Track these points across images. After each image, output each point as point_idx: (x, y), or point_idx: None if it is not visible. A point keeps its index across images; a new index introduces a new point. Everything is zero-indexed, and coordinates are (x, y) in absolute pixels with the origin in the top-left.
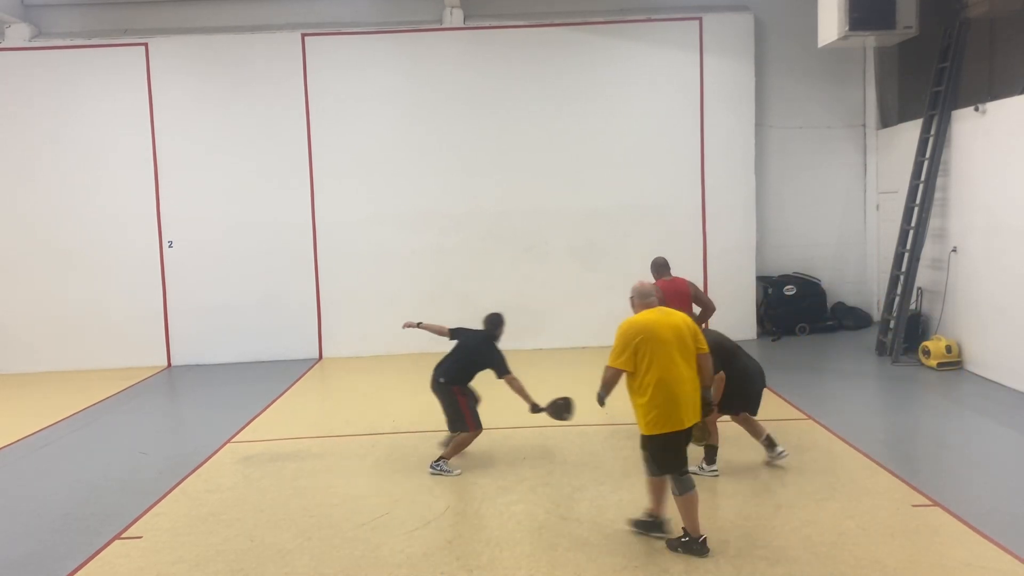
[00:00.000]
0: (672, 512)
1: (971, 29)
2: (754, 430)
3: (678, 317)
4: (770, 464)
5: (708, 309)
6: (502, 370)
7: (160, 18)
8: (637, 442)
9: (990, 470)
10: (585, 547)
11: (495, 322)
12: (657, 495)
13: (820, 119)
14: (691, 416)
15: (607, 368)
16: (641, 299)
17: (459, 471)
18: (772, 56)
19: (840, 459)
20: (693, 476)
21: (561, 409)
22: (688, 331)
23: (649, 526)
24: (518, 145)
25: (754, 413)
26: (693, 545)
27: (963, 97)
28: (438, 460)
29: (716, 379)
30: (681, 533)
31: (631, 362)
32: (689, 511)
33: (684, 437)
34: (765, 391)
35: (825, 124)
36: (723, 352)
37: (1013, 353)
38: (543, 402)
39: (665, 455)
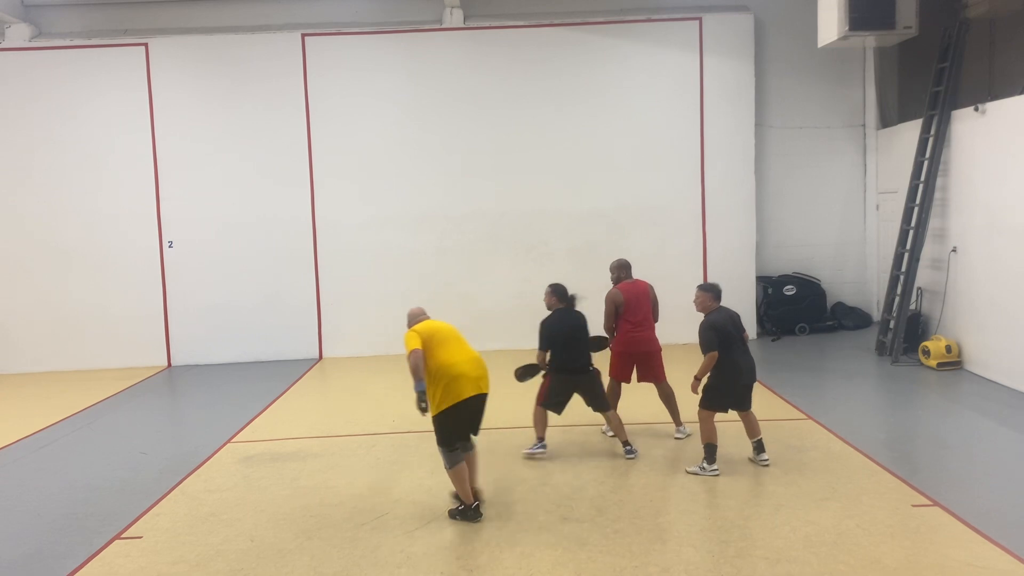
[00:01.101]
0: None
1: (971, 29)
2: (751, 428)
3: (449, 325)
4: (752, 462)
5: (655, 315)
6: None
7: (160, 18)
8: (638, 442)
9: (990, 470)
10: (585, 547)
11: (564, 290)
12: (462, 482)
13: (820, 119)
14: (470, 389)
15: (409, 356)
16: (414, 319)
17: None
18: (772, 56)
19: (840, 459)
20: (695, 475)
21: (525, 373)
22: (456, 330)
23: (462, 513)
24: (518, 145)
25: (746, 409)
26: (467, 512)
27: (963, 97)
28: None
29: (707, 357)
30: (458, 503)
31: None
32: (459, 482)
33: (464, 411)
34: (765, 391)
35: (825, 124)
36: (719, 335)
37: (1012, 353)
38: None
39: (442, 430)
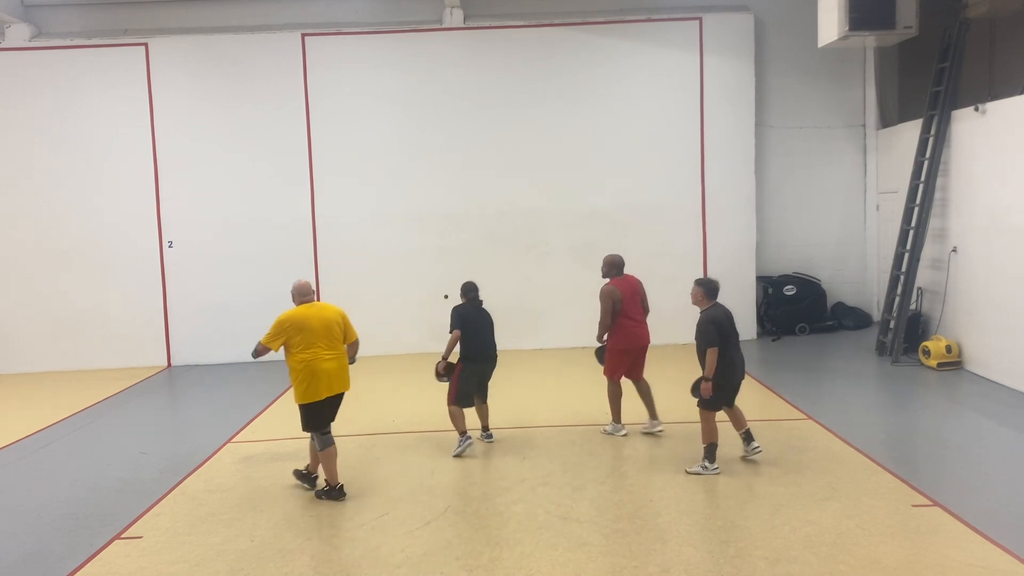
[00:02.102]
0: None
1: (971, 29)
2: (738, 421)
3: (331, 311)
4: (745, 459)
5: (645, 310)
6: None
7: (160, 18)
8: (637, 442)
9: (990, 470)
10: (585, 547)
11: (476, 288)
12: (332, 464)
13: (820, 119)
14: (335, 387)
15: (259, 343)
16: (300, 296)
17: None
18: (772, 56)
19: (840, 459)
20: (696, 474)
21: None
22: (337, 323)
23: (328, 493)
24: (518, 145)
25: (731, 405)
26: (333, 492)
27: (963, 97)
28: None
29: (711, 353)
30: (323, 484)
31: (279, 345)
32: (329, 464)
33: (326, 405)
34: (766, 391)
35: (825, 124)
36: (718, 330)
37: (1012, 353)
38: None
39: (311, 418)
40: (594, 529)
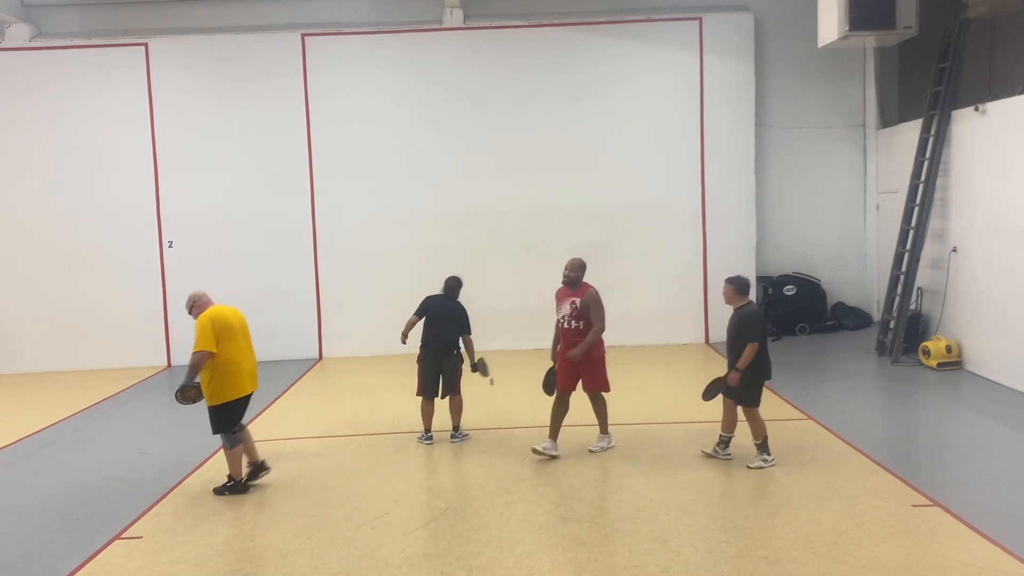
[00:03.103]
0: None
1: (971, 29)
2: (731, 422)
3: (239, 312)
4: (708, 455)
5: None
6: (469, 329)
7: (160, 18)
8: (637, 442)
9: (990, 470)
10: (585, 547)
11: (459, 284)
12: (238, 461)
13: (820, 119)
14: (253, 385)
15: (197, 354)
16: (203, 300)
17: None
18: (772, 56)
19: (840, 459)
20: (759, 468)
21: (484, 368)
22: (246, 323)
23: (232, 488)
24: (518, 145)
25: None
26: (238, 487)
27: (963, 97)
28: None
29: (750, 347)
30: (239, 479)
31: (215, 345)
32: (235, 461)
33: (241, 402)
34: (766, 391)
35: (825, 124)
36: (763, 325)
37: (1012, 353)
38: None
39: (229, 416)
40: (594, 529)
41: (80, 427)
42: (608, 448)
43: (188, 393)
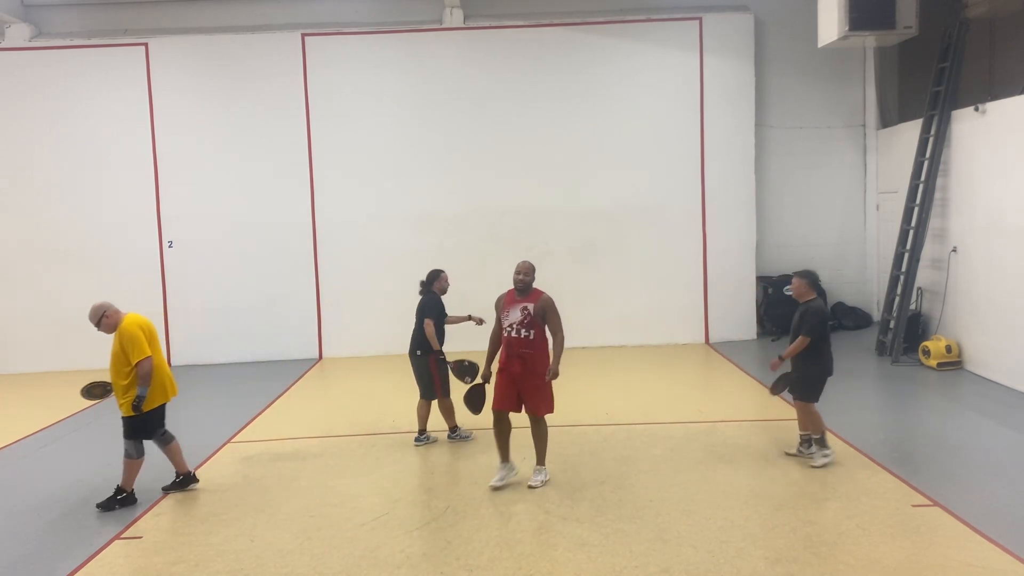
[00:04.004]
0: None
1: (971, 29)
2: (810, 421)
3: (150, 323)
4: (788, 454)
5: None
6: (424, 315)
7: (160, 18)
8: (637, 442)
9: (990, 470)
10: (585, 547)
11: (432, 276)
12: (135, 473)
13: (820, 119)
14: (172, 391)
15: (143, 363)
16: (112, 308)
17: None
18: (772, 56)
19: (840, 459)
20: (823, 467)
21: (465, 370)
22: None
23: (122, 501)
24: (518, 145)
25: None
26: (187, 482)
27: (963, 97)
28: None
29: (800, 341)
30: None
31: (148, 349)
32: (176, 457)
33: (164, 408)
34: (765, 391)
35: (825, 124)
36: (823, 322)
37: (1012, 353)
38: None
39: (150, 423)
40: (594, 529)
41: (80, 427)
42: (546, 482)
43: (95, 391)
